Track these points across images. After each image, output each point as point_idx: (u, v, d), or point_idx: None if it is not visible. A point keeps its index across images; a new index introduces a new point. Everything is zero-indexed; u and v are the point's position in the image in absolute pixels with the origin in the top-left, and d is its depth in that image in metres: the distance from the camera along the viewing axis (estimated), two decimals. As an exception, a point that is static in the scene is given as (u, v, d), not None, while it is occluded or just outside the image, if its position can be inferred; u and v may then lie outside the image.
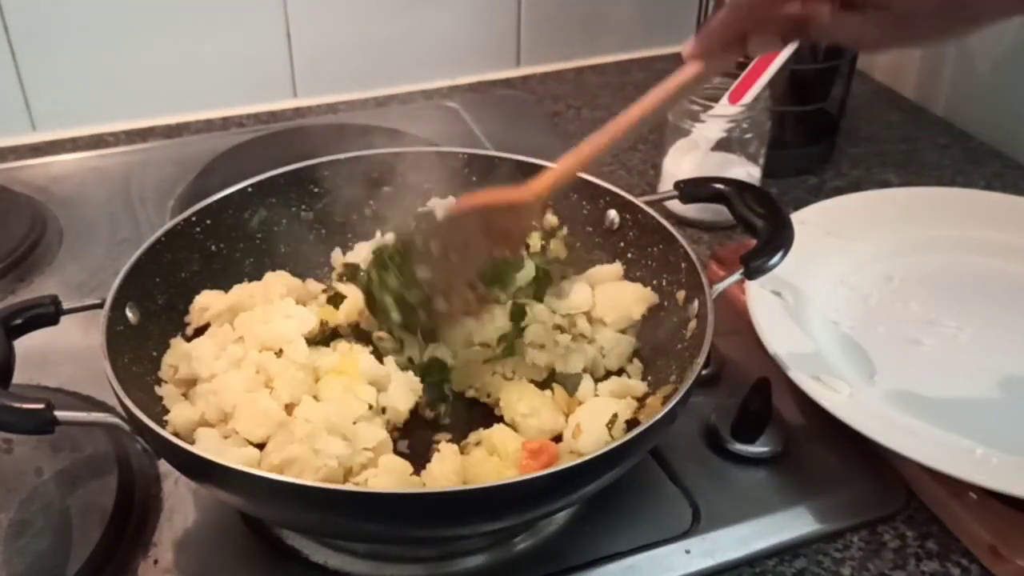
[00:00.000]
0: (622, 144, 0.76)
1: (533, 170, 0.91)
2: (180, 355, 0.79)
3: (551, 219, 0.92)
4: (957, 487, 0.76)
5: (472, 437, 0.77)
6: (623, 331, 0.86)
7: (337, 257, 0.93)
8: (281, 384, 0.74)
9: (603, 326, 0.85)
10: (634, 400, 0.79)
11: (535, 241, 0.92)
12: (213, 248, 0.87)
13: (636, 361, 0.84)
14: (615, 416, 0.75)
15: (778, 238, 0.79)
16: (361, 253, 0.92)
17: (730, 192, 0.85)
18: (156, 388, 0.77)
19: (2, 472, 0.77)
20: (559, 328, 0.84)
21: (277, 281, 0.87)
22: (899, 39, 0.71)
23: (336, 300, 0.85)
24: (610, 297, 0.86)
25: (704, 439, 0.83)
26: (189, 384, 0.78)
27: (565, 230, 0.92)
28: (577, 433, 0.75)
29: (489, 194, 0.78)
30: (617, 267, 0.88)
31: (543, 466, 0.71)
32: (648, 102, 0.73)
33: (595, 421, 0.75)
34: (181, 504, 0.77)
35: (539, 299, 0.85)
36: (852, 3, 0.67)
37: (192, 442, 0.72)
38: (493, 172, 0.93)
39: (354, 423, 0.73)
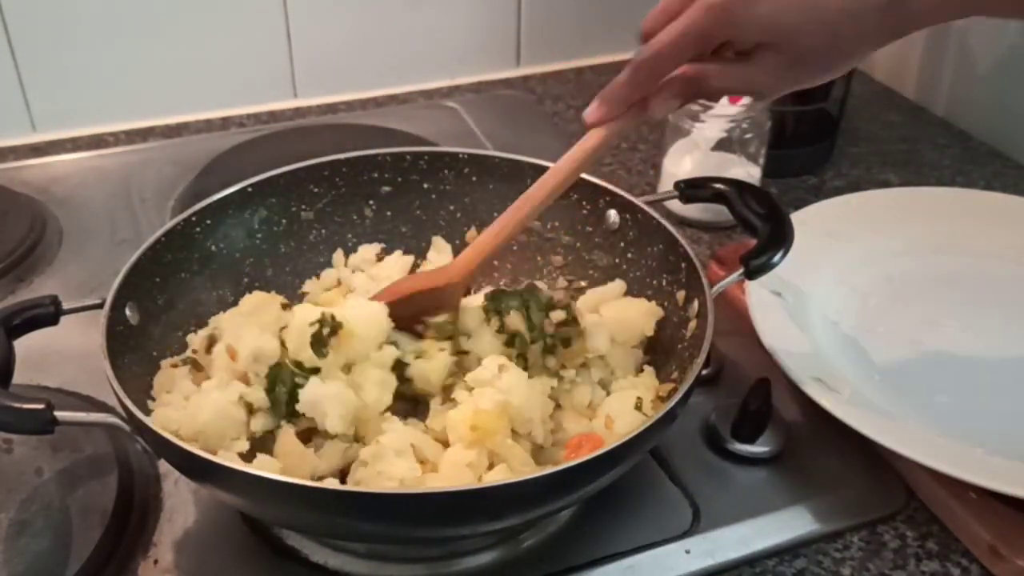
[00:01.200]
0: (539, 213, 0.78)
1: (533, 170, 0.91)
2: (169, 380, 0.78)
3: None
4: (957, 487, 0.76)
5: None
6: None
7: (338, 258, 0.93)
8: None
9: (614, 345, 0.81)
10: (652, 382, 0.79)
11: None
12: (213, 248, 0.87)
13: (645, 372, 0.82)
14: (639, 399, 0.75)
15: (778, 238, 0.79)
16: (364, 255, 0.93)
17: (730, 192, 0.84)
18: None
19: (2, 472, 0.77)
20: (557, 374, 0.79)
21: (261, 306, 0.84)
22: (793, 80, 0.72)
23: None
24: (619, 316, 0.82)
25: (704, 439, 0.83)
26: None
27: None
28: (609, 424, 0.74)
29: (407, 282, 0.81)
30: (619, 285, 0.87)
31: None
32: (559, 172, 0.76)
33: (622, 408, 0.74)
34: (181, 504, 0.77)
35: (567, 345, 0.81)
36: (742, 52, 0.70)
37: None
38: (493, 172, 0.93)
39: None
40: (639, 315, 0.82)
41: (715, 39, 0.70)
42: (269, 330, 0.77)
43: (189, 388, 0.75)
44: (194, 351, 0.80)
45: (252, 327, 0.78)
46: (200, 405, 0.72)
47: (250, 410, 0.74)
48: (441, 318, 0.79)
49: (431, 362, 0.76)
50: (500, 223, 0.78)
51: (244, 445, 0.72)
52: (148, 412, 0.69)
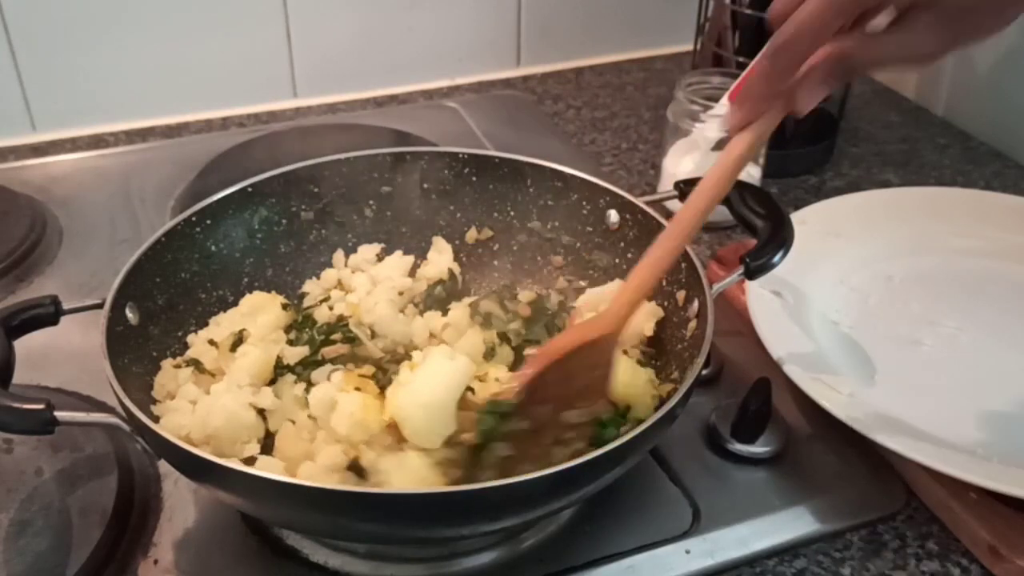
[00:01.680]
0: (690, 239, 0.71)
1: (533, 170, 0.92)
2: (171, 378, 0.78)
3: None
4: (957, 487, 0.76)
5: None
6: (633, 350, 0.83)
7: (338, 258, 0.93)
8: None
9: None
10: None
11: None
12: (213, 248, 0.87)
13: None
14: (649, 380, 0.75)
15: (778, 238, 0.79)
16: (364, 255, 0.93)
17: (730, 192, 0.84)
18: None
19: (2, 472, 0.77)
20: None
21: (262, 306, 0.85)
22: (953, 39, 0.63)
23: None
24: None
25: (704, 439, 0.83)
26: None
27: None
28: (625, 411, 0.74)
29: (561, 341, 0.69)
30: (619, 285, 0.86)
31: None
32: (709, 189, 0.69)
33: (636, 389, 0.75)
34: (181, 504, 0.77)
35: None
36: (898, 16, 0.62)
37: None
38: (493, 172, 0.93)
39: None
40: (639, 316, 0.82)
41: (861, 5, 0.62)
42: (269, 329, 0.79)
43: (194, 392, 0.75)
44: (196, 359, 0.80)
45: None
46: (211, 410, 0.72)
47: (260, 413, 0.74)
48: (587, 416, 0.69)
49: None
50: (650, 259, 0.70)
51: (255, 448, 0.73)
52: (148, 412, 0.69)
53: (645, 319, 0.82)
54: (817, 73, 0.65)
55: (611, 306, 0.70)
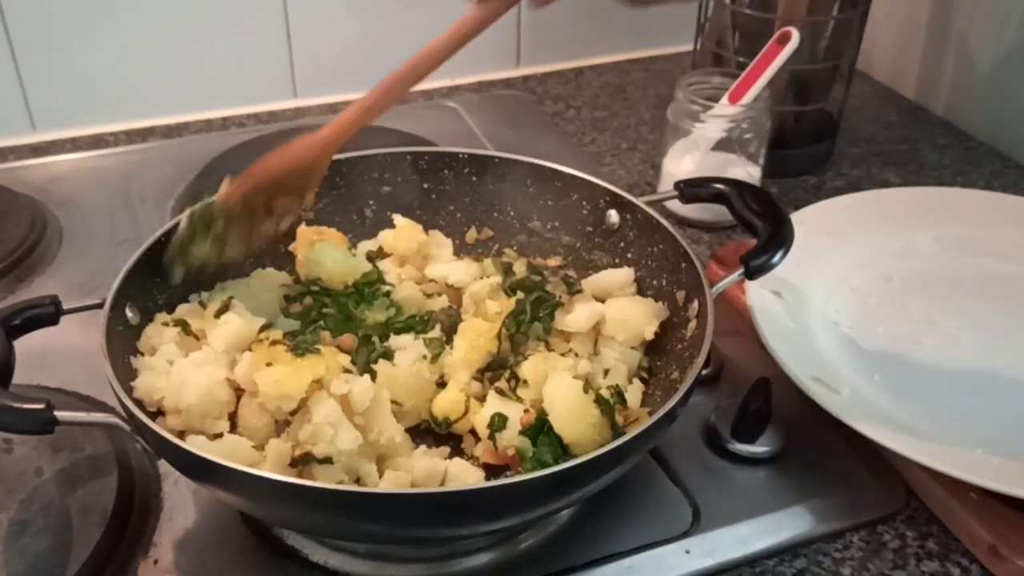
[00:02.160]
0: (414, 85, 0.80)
1: (533, 170, 0.92)
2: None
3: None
4: (957, 487, 0.76)
5: None
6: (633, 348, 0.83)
7: None
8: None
9: (614, 343, 0.82)
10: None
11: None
12: (213, 248, 0.87)
13: (637, 382, 0.81)
14: (595, 422, 0.74)
15: (778, 238, 0.79)
16: (363, 249, 0.93)
17: (730, 192, 0.85)
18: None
19: (2, 472, 0.77)
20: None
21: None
22: None
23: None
24: (621, 315, 0.82)
25: (704, 439, 0.83)
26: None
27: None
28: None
29: (271, 163, 0.80)
30: (627, 273, 0.86)
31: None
32: (431, 52, 0.78)
33: (580, 425, 0.74)
34: (181, 504, 0.77)
35: (535, 320, 0.83)
36: None
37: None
38: (493, 172, 0.93)
39: None
40: (642, 316, 0.82)
41: None
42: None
43: (174, 352, 0.76)
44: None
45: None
46: (187, 382, 0.72)
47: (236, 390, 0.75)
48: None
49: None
50: (375, 94, 0.80)
51: (225, 425, 0.73)
52: (148, 412, 0.69)
53: (647, 321, 0.82)
54: None
55: (323, 131, 0.80)
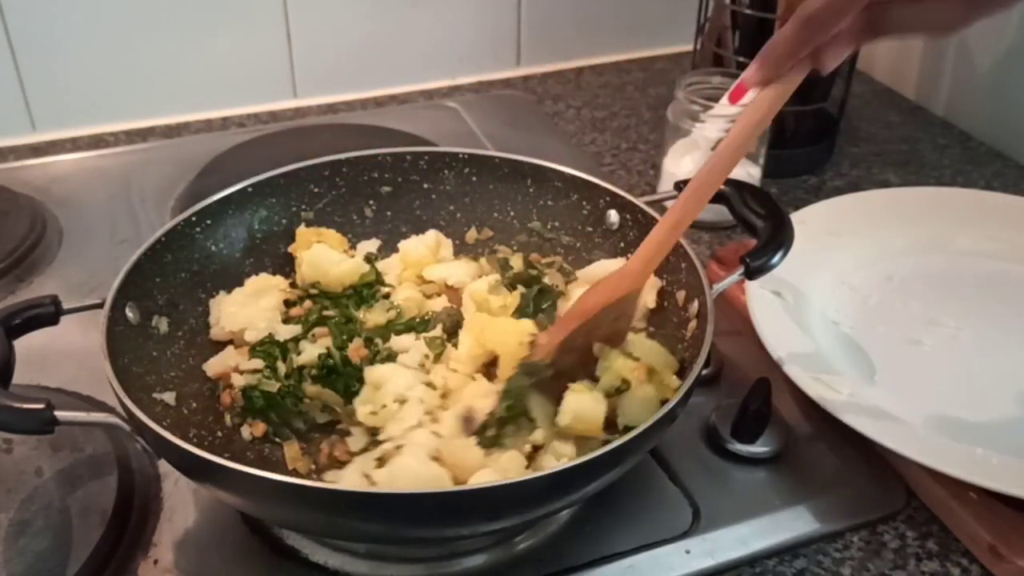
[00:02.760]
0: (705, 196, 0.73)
1: (533, 170, 0.91)
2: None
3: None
4: (957, 487, 0.76)
5: None
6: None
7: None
8: None
9: None
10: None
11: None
12: (213, 248, 0.87)
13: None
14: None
15: (778, 238, 0.79)
16: (363, 250, 0.93)
17: (730, 192, 0.84)
18: (156, 390, 0.77)
19: (2, 472, 0.77)
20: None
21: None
22: (978, 9, 0.65)
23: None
24: None
25: (704, 439, 0.83)
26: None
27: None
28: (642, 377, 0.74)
29: (589, 302, 0.74)
30: (621, 263, 0.86)
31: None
32: (730, 148, 0.71)
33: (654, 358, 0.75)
34: (181, 504, 0.77)
35: (538, 312, 0.85)
36: None
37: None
38: (493, 172, 0.93)
39: None
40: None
41: None
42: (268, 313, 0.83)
43: None
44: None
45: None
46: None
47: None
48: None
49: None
50: (676, 212, 0.73)
51: None
52: (148, 412, 0.69)
53: (647, 292, 0.83)
54: (846, 35, 0.66)
55: (633, 263, 0.75)
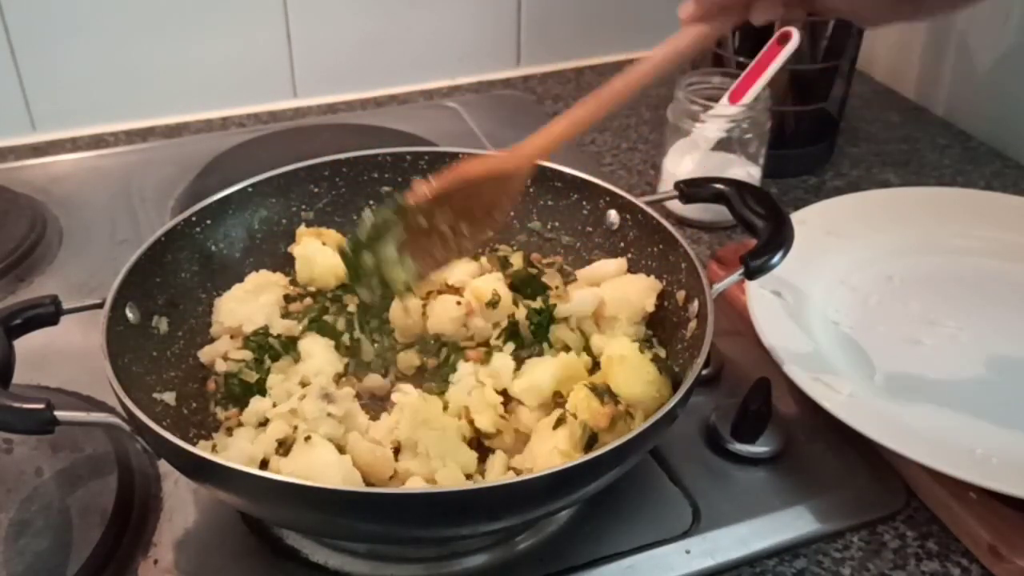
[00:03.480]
0: (615, 111, 0.73)
1: (533, 170, 0.91)
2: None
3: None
4: (957, 487, 0.76)
5: None
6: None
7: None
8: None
9: (617, 323, 0.84)
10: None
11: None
12: (213, 248, 0.87)
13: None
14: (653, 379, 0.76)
15: (778, 238, 0.79)
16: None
17: (730, 192, 0.85)
18: (156, 390, 0.77)
19: (2, 472, 0.77)
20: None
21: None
22: (899, 12, 0.68)
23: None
24: (618, 294, 0.84)
25: (704, 439, 0.83)
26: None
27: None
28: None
29: (470, 166, 0.73)
30: (620, 263, 0.87)
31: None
32: (646, 67, 0.71)
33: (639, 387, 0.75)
34: (181, 504, 0.77)
35: (533, 297, 0.86)
36: None
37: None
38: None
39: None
40: (639, 291, 0.83)
41: None
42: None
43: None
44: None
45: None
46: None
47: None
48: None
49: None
50: (575, 111, 0.73)
51: None
52: (148, 412, 0.69)
53: (646, 294, 0.83)
54: None
55: (526, 146, 0.74)
